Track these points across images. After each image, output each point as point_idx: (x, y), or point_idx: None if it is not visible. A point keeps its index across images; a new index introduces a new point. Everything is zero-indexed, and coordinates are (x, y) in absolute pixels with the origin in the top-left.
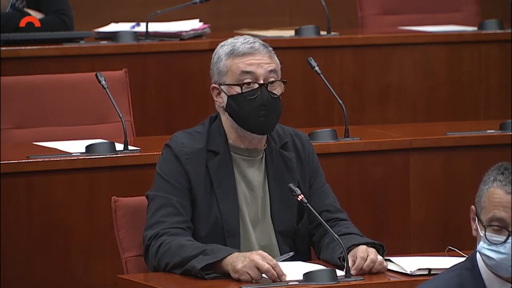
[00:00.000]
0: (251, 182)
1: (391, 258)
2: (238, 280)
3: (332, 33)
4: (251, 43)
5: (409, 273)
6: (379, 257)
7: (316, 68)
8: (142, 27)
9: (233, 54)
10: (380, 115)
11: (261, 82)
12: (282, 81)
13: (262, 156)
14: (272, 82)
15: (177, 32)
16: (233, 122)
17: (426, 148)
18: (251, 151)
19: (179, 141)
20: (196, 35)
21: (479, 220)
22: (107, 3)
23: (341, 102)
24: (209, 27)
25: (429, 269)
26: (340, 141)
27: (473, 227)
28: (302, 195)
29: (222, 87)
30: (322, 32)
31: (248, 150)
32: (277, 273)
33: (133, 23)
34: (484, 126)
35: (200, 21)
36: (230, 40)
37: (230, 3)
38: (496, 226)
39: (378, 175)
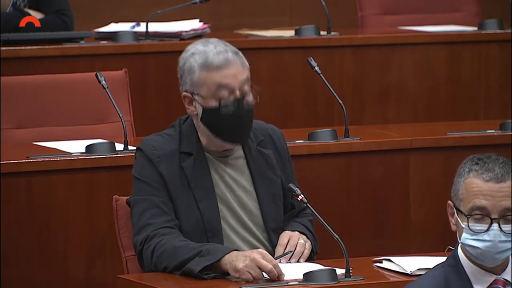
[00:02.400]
0: (229, 181)
1: (391, 258)
2: (238, 279)
3: (332, 33)
4: (223, 53)
5: (409, 273)
6: (301, 241)
7: (316, 68)
8: (142, 27)
9: (206, 66)
10: (380, 115)
11: (238, 94)
12: (258, 92)
13: (240, 154)
14: (247, 93)
15: (177, 32)
16: (207, 130)
17: (426, 148)
18: (225, 151)
19: (150, 144)
20: (196, 35)
21: (459, 212)
22: (107, 3)
23: (341, 102)
24: (209, 27)
25: (429, 269)
26: (340, 141)
27: (452, 222)
28: (302, 195)
29: (196, 97)
30: (322, 32)
31: (221, 151)
32: (277, 273)
33: (133, 23)
34: (484, 126)
35: (200, 21)
36: (199, 47)
37: (230, 3)
38: (478, 215)
39: (378, 175)
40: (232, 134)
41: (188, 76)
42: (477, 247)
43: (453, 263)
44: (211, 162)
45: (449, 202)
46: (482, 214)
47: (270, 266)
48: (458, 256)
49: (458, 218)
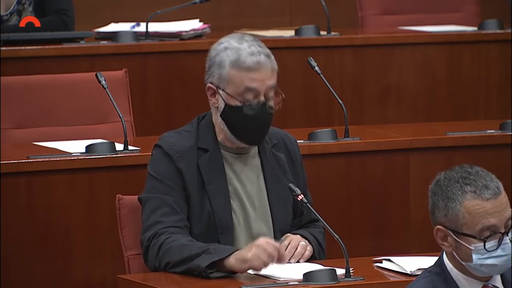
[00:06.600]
0: (243, 179)
1: (391, 258)
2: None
3: (332, 33)
4: (256, 54)
5: (409, 273)
6: (302, 243)
7: (316, 68)
8: (142, 27)
9: (238, 65)
10: (380, 115)
11: (262, 99)
12: (282, 98)
13: (255, 153)
14: (271, 98)
15: (177, 32)
16: (224, 126)
17: (426, 148)
18: (240, 149)
19: (169, 140)
20: (196, 35)
21: (463, 235)
22: (107, 3)
23: (341, 102)
24: (209, 27)
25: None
26: (340, 141)
27: (446, 245)
28: (302, 195)
29: (221, 91)
30: (322, 32)
31: (237, 148)
32: (281, 255)
33: (133, 23)
34: (484, 126)
35: (200, 21)
36: (234, 44)
37: (230, 3)
38: (490, 235)
39: (378, 175)
40: (249, 135)
41: (217, 70)
42: (495, 265)
43: (440, 272)
44: (226, 159)
45: (439, 227)
46: (493, 232)
47: (277, 245)
48: (444, 265)
49: (462, 242)
